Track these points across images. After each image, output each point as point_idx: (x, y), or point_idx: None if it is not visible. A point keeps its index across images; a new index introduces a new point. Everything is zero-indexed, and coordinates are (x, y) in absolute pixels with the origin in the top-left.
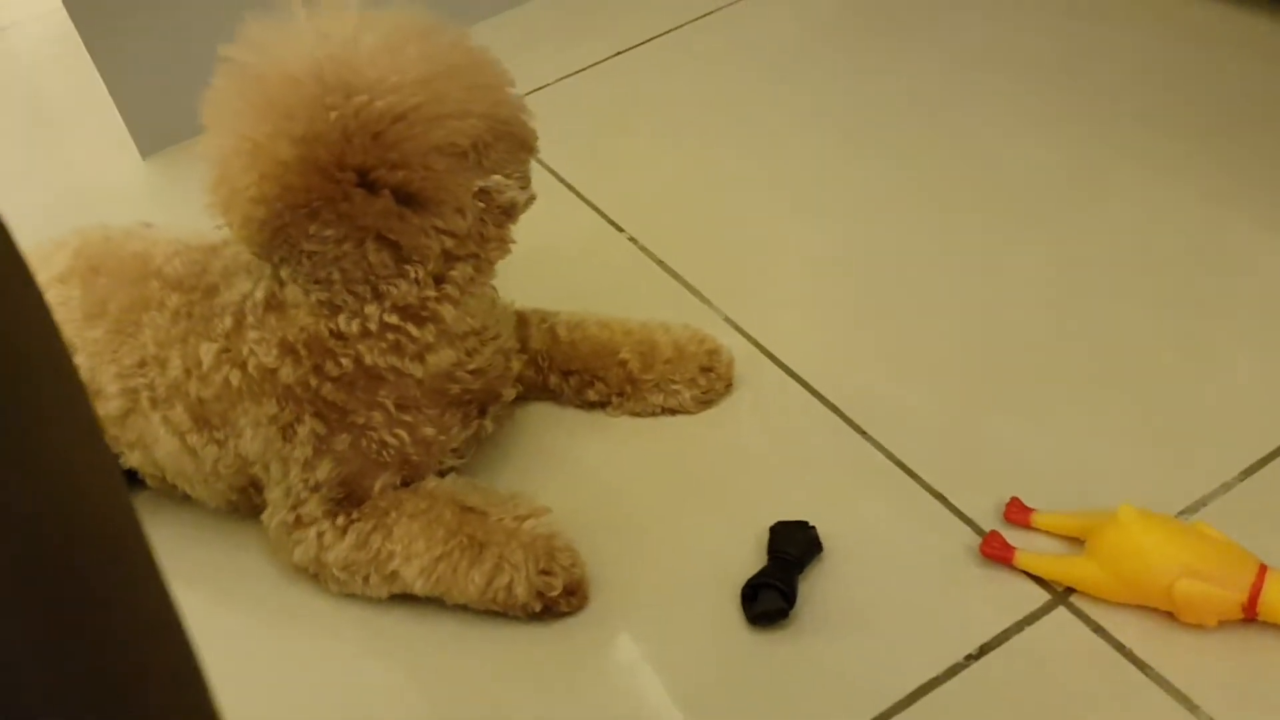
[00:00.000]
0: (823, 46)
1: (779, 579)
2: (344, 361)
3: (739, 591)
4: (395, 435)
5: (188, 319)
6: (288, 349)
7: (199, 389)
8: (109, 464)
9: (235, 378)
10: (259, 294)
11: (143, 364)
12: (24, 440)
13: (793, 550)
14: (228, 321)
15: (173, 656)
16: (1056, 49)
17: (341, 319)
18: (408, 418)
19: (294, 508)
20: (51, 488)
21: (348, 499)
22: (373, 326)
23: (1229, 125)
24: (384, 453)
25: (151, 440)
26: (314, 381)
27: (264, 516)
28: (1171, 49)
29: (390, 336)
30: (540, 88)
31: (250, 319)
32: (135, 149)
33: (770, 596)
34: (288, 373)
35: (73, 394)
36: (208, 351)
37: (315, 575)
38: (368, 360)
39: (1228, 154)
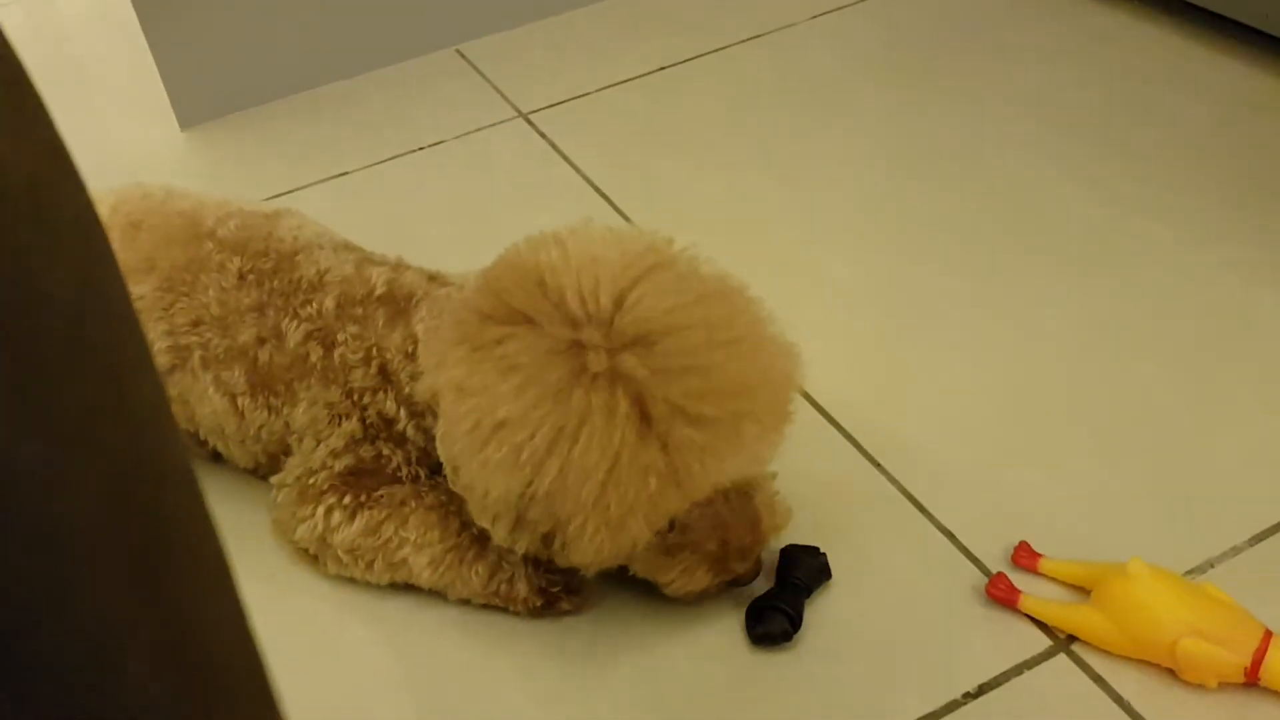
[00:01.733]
0: (866, 81)
1: (787, 603)
2: (388, 405)
3: (743, 609)
4: (413, 472)
5: (258, 287)
6: (369, 358)
7: (272, 356)
8: (172, 412)
9: (316, 355)
10: (380, 288)
11: (198, 323)
12: (118, 383)
13: (802, 576)
14: (328, 303)
15: (234, 608)
16: (1103, 106)
17: (396, 359)
18: (423, 469)
19: (300, 477)
20: (142, 429)
21: (356, 484)
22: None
23: (1263, 197)
24: (400, 476)
25: (196, 398)
26: (368, 399)
27: (274, 480)
28: (1210, 115)
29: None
30: (581, 95)
31: (358, 310)
32: (175, 119)
33: (776, 619)
34: (359, 376)
35: (144, 343)
36: (294, 329)
37: (315, 556)
38: (394, 417)
39: (1260, 226)
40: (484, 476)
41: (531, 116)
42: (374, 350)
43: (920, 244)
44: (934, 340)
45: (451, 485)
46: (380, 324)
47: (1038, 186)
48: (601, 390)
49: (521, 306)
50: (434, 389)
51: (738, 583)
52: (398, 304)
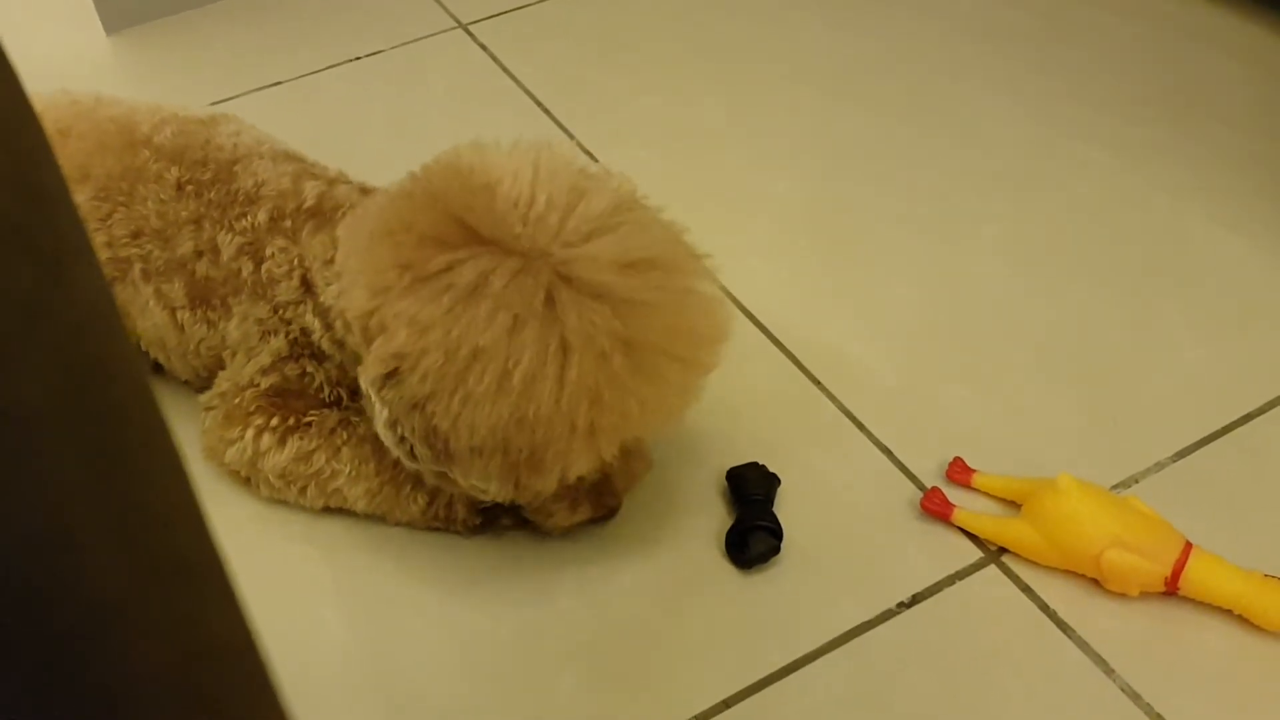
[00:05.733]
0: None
1: (765, 520)
2: (308, 317)
3: (681, 519)
4: (335, 393)
5: (196, 198)
6: (292, 271)
7: (208, 269)
8: (115, 302)
9: (248, 270)
10: (309, 200)
11: (138, 235)
12: (60, 270)
13: (760, 490)
14: (260, 216)
15: (190, 502)
16: (1040, 26)
17: (315, 266)
18: (343, 390)
19: (225, 394)
20: (87, 318)
21: (283, 405)
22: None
23: (1195, 119)
24: (323, 395)
25: (137, 311)
26: (291, 314)
27: (202, 400)
28: (1149, 37)
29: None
30: (522, 6)
31: (287, 223)
32: (100, 24)
33: (760, 538)
34: (283, 290)
35: (84, 232)
36: (228, 242)
37: (247, 479)
38: (311, 328)
39: (1191, 147)
40: (468, 410)
41: (471, 27)
42: (297, 262)
43: (860, 163)
44: (872, 259)
45: (378, 424)
46: (304, 236)
47: (974, 106)
48: (593, 312)
49: (471, 223)
50: (379, 317)
51: (607, 516)
52: (324, 215)
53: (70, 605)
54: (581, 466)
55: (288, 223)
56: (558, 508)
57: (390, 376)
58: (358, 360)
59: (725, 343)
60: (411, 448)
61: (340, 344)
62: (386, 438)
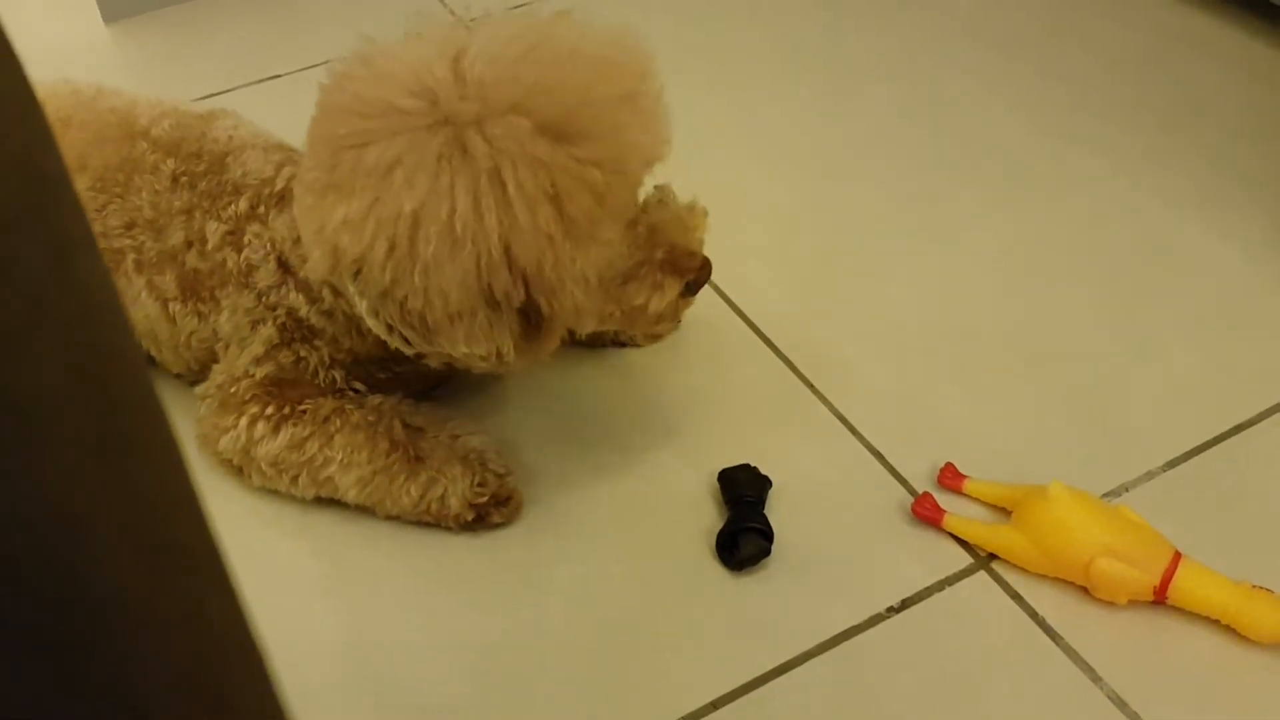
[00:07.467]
0: (809, 1)
1: (752, 521)
2: (291, 296)
3: (672, 520)
4: (329, 376)
5: (190, 189)
6: (268, 254)
7: (197, 261)
8: (117, 293)
9: (232, 260)
10: (280, 183)
11: (132, 226)
12: (66, 260)
13: (749, 491)
14: (242, 205)
15: (190, 494)
16: (1038, 30)
17: (286, 245)
18: (338, 373)
19: (222, 385)
20: (92, 307)
21: (278, 394)
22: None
23: (1191, 128)
24: (317, 381)
25: (130, 302)
26: (275, 298)
27: (198, 390)
28: (1145, 45)
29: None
30: (522, 4)
31: (261, 209)
32: (98, 13)
33: (750, 539)
34: (263, 275)
35: (87, 222)
36: (214, 231)
37: (240, 468)
38: (296, 305)
39: (1185, 157)
40: (435, 282)
41: (471, 25)
42: (271, 246)
43: (856, 166)
44: (866, 261)
45: (364, 316)
46: (271, 218)
47: (973, 110)
48: (499, 127)
49: (360, 128)
50: (331, 249)
51: (699, 283)
52: (290, 196)
53: (76, 597)
54: (594, 261)
55: (262, 209)
56: (643, 300)
57: (357, 276)
58: (350, 321)
59: (646, 57)
60: (401, 334)
61: (330, 314)
62: (376, 327)
